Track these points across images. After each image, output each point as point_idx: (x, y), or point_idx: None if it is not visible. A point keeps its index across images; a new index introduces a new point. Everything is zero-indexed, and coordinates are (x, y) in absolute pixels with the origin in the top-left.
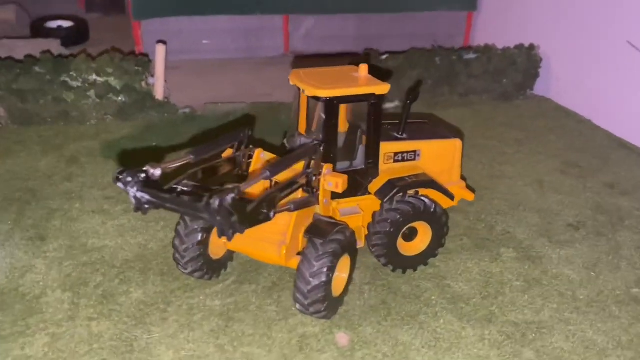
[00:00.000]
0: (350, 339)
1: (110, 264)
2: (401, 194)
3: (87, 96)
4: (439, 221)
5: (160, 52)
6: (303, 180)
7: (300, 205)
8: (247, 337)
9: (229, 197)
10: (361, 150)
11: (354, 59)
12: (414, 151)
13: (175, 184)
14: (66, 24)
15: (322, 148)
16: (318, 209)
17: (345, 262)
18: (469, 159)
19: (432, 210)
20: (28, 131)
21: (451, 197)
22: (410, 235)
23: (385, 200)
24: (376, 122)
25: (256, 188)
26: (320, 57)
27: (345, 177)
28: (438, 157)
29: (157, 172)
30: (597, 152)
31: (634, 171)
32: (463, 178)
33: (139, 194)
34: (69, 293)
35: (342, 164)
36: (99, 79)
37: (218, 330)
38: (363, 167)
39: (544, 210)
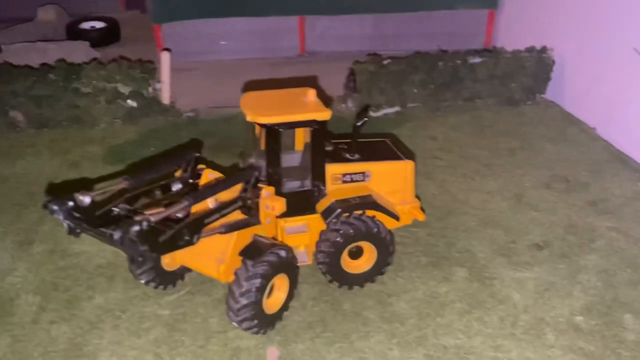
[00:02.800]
0: (280, 355)
1: (84, 269)
2: (346, 214)
3: (97, 101)
4: (383, 241)
5: (165, 59)
6: (239, 203)
7: (234, 227)
8: (185, 348)
9: (134, 230)
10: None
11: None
12: (363, 172)
13: (112, 207)
14: (99, 24)
15: (257, 173)
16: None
17: (282, 281)
18: (454, 170)
19: (374, 231)
20: (41, 135)
21: (396, 218)
22: (358, 253)
23: (327, 221)
24: (319, 147)
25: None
26: (336, 57)
27: (283, 200)
28: (389, 178)
29: (86, 199)
30: (590, 166)
31: (623, 188)
32: (418, 197)
33: (65, 222)
34: (40, 297)
35: (294, 183)
36: (108, 85)
37: (160, 340)
38: (311, 187)
39: (513, 227)
